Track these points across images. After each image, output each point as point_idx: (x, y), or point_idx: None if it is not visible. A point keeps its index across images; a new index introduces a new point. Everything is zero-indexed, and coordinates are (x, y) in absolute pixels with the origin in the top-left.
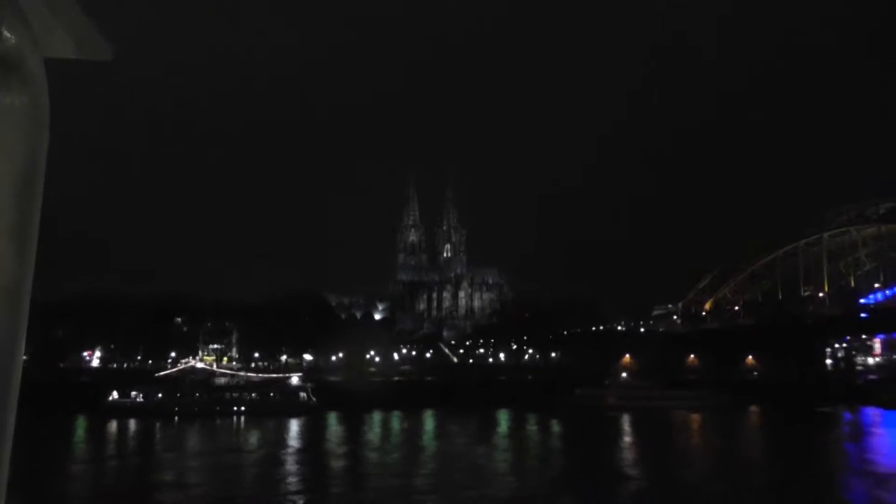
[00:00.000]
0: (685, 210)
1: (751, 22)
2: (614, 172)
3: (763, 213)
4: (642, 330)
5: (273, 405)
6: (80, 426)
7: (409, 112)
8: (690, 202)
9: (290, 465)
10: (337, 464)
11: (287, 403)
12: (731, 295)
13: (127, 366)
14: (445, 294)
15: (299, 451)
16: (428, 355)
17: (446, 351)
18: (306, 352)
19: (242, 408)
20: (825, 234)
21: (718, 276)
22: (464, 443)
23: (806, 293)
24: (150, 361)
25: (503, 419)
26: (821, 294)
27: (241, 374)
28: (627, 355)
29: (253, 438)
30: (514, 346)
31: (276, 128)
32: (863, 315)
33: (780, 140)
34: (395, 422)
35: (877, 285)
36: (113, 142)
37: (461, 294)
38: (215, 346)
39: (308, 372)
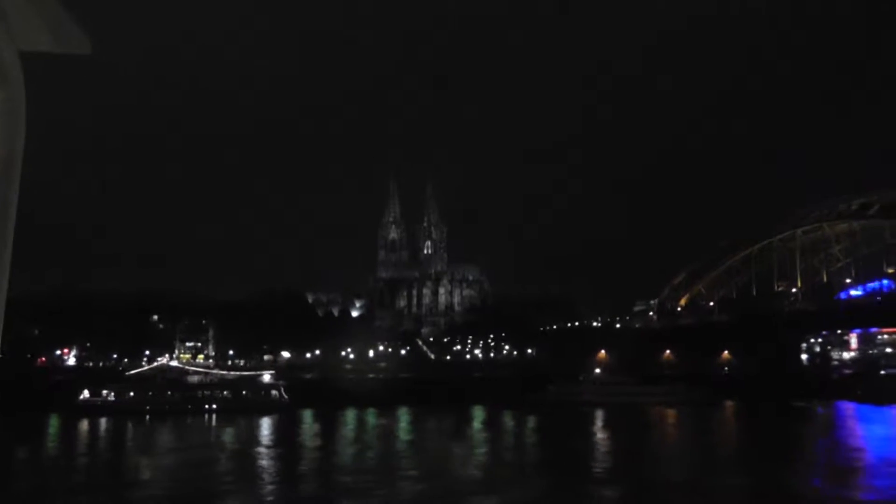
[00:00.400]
0: (666, 207)
1: (731, 22)
2: (595, 170)
3: (739, 210)
4: (618, 326)
5: (245, 403)
6: (49, 425)
7: (391, 110)
8: (670, 199)
9: (243, 463)
10: (289, 462)
11: (259, 401)
12: (705, 291)
13: (103, 364)
14: (425, 291)
15: (258, 449)
16: (403, 352)
17: (424, 348)
18: (284, 349)
19: (214, 406)
20: (798, 230)
21: (694, 272)
22: (429, 439)
23: (779, 289)
24: (125, 360)
25: (475, 416)
26: (794, 289)
27: (215, 371)
28: (603, 351)
29: (217, 437)
30: (492, 343)
31: (260, 127)
32: (837, 310)
33: (756, 138)
34: (367, 419)
35: (848, 280)
36: (98, 138)
37: (441, 291)
38: (192, 343)
39: (284, 369)
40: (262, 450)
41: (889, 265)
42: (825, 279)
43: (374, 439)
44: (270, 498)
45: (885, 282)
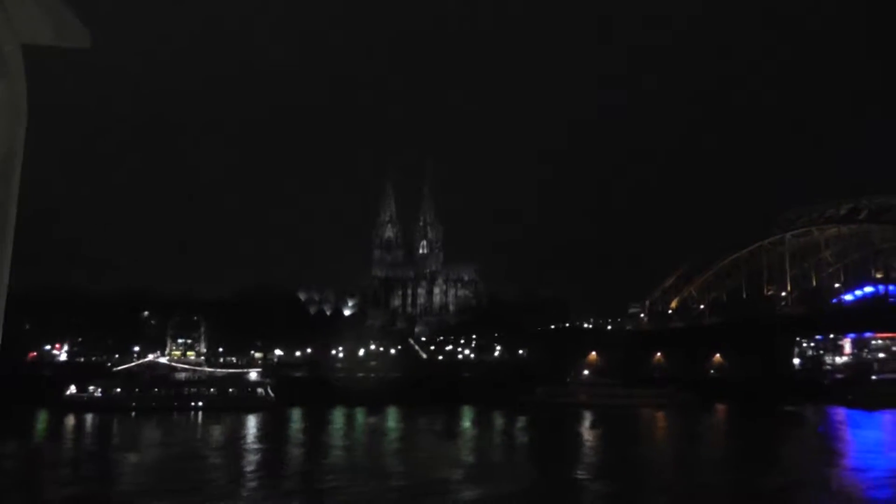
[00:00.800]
0: (666, 208)
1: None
2: (590, 172)
3: (732, 213)
4: (609, 328)
5: (231, 401)
6: (33, 420)
7: (387, 107)
8: (671, 200)
9: (213, 461)
10: (252, 460)
11: (245, 399)
12: (696, 294)
13: (94, 360)
14: (420, 290)
15: (232, 447)
16: (393, 351)
17: (416, 347)
18: (276, 347)
19: (200, 403)
20: (788, 234)
21: (685, 274)
22: (408, 439)
23: (769, 292)
24: (116, 355)
25: (461, 417)
26: (783, 293)
27: (203, 369)
28: (593, 353)
29: (196, 434)
30: (484, 344)
31: (255, 126)
32: (828, 315)
33: (748, 141)
34: (352, 418)
35: (837, 285)
36: (90, 131)
37: (436, 290)
38: (183, 340)
39: (274, 367)
40: (235, 448)
41: (877, 270)
42: (814, 283)
43: (351, 438)
44: (229, 495)
45: (876, 287)
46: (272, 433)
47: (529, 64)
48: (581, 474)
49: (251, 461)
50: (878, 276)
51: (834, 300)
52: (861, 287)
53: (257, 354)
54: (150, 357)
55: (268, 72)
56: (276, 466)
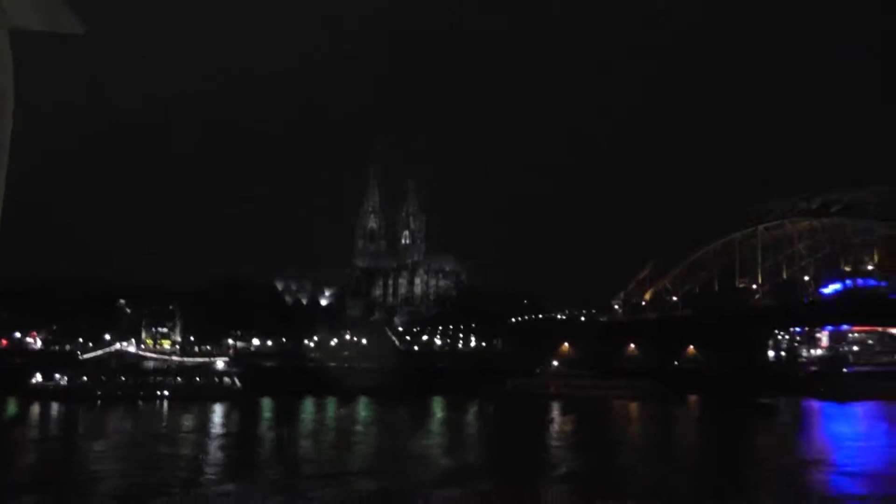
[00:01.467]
0: (639, 202)
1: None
2: (585, 164)
3: (707, 205)
4: (583, 319)
5: (196, 390)
6: None
7: (372, 99)
8: (657, 192)
9: (152, 449)
10: (203, 449)
11: (210, 388)
12: (670, 286)
13: (68, 348)
14: (401, 280)
15: (183, 436)
16: (366, 341)
17: (392, 337)
18: (252, 336)
19: (166, 392)
20: (761, 227)
21: (659, 266)
22: (363, 429)
23: (741, 285)
24: (90, 344)
25: (428, 407)
26: (754, 286)
27: (172, 358)
28: (566, 344)
29: (152, 423)
30: (461, 335)
31: (240, 124)
32: (803, 308)
33: (723, 133)
34: (319, 408)
35: (807, 278)
36: (77, 125)
37: (417, 281)
38: (158, 329)
39: (245, 356)
40: (189, 437)
41: (847, 264)
42: (784, 276)
43: (311, 429)
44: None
45: (847, 280)
46: (233, 423)
47: (523, 63)
48: (527, 461)
49: (201, 450)
50: (848, 269)
51: (806, 292)
52: (833, 280)
53: (231, 343)
54: (118, 345)
55: (259, 73)
56: (224, 456)
